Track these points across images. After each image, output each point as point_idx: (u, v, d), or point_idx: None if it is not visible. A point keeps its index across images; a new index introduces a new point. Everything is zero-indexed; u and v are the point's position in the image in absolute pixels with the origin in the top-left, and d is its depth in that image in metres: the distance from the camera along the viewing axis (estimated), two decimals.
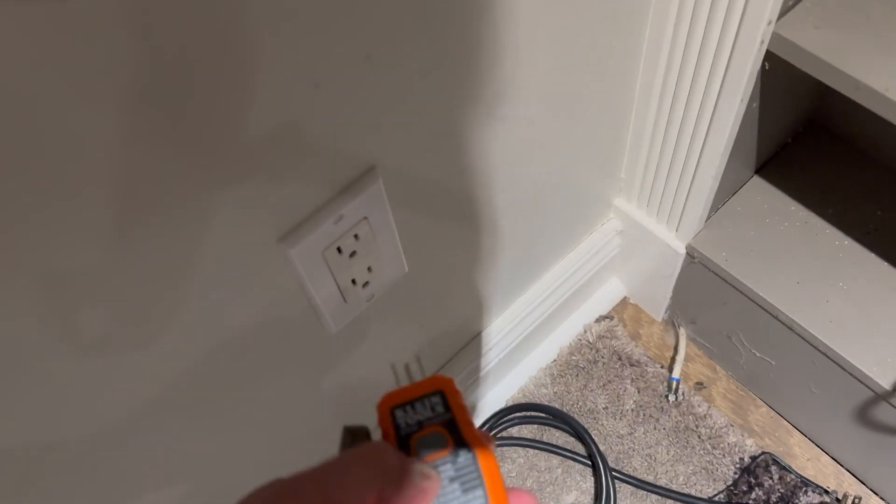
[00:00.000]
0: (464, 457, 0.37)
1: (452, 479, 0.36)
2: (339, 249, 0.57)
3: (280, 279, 0.56)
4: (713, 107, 0.72)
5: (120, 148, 0.38)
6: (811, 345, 0.84)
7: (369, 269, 0.61)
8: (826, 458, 0.97)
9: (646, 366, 1.03)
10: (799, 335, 0.85)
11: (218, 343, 0.55)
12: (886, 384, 0.79)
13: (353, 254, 0.58)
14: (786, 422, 0.99)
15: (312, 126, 0.47)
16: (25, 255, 0.38)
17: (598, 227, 0.98)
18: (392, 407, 0.39)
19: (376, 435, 0.36)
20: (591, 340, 1.05)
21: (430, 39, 0.50)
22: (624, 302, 1.10)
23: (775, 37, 0.65)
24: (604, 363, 1.03)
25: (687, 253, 0.91)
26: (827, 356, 0.83)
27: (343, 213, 0.54)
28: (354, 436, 0.37)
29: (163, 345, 0.50)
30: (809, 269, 0.87)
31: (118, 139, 0.37)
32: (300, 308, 0.60)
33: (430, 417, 0.39)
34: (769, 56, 0.67)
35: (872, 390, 0.81)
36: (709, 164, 0.78)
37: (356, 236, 0.57)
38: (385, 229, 0.60)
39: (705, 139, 0.76)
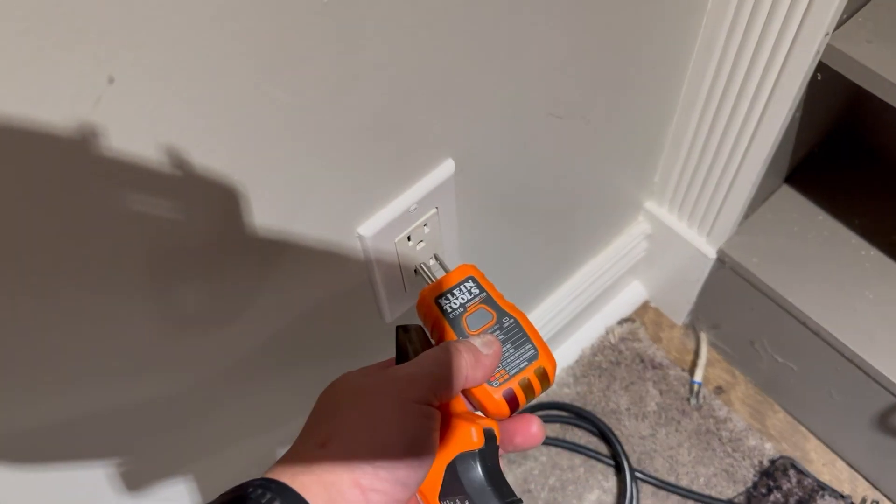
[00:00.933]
0: (508, 322, 0.45)
1: (504, 341, 0.44)
2: (408, 238, 0.57)
3: (350, 264, 0.56)
4: (760, 114, 0.74)
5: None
6: (837, 351, 0.86)
7: (433, 258, 0.62)
8: (841, 463, 0.99)
9: (667, 369, 1.04)
10: (826, 341, 0.87)
11: (286, 322, 0.56)
12: None
13: (419, 242, 0.59)
14: (803, 427, 1.01)
15: (401, 115, 0.48)
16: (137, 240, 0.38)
17: (626, 229, 1.00)
18: (435, 298, 0.47)
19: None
20: (613, 342, 1.07)
21: (507, 57, 0.52)
22: (645, 306, 1.12)
23: (829, 48, 0.67)
24: (626, 365, 1.05)
25: (717, 258, 0.93)
26: (853, 362, 0.86)
27: (419, 202, 0.55)
28: (407, 331, 0.43)
29: (243, 322, 0.51)
30: (837, 277, 0.89)
31: None
32: (363, 294, 0.61)
33: (470, 299, 0.47)
34: (821, 67, 0.69)
35: (895, 396, 0.84)
36: (749, 171, 0.80)
37: (425, 225, 0.58)
38: (450, 221, 0.61)
39: (748, 146, 0.78)
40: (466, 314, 0.46)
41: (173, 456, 0.58)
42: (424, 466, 0.34)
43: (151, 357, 0.47)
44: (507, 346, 0.44)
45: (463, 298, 0.47)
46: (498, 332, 0.45)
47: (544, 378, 0.44)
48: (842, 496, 0.96)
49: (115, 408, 0.48)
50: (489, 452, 0.39)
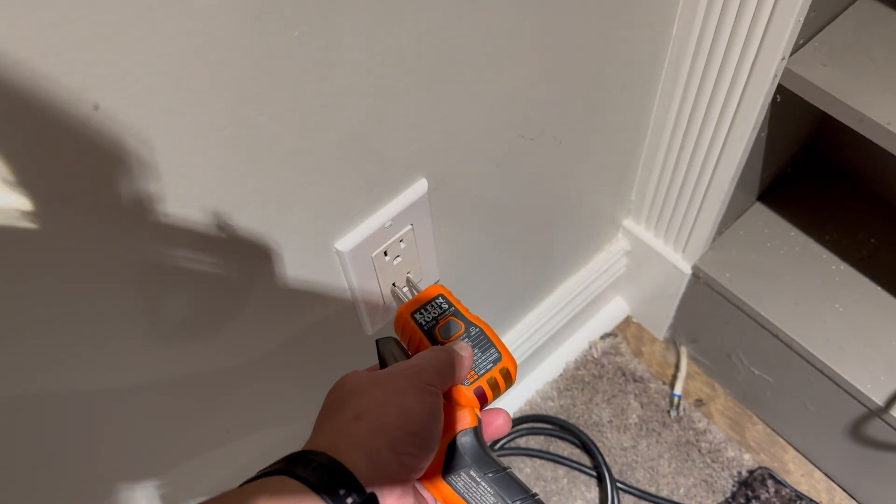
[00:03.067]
0: (474, 330, 0.52)
1: (472, 347, 0.51)
2: (385, 253, 0.61)
3: (330, 278, 0.59)
4: (725, 134, 0.77)
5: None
6: (808, 362, 0.89)
7: (408, 274, 0.65)
8: (819, 473, 1.01)
9: (648, 382, 1.07)
10: (797, 353, 0.90)
11: (269, 335, 0.59)
12: (879, 400, 0.84)
13: (396, 258, 0.62)
14: (781, 439, 1.04)
15: (373, 136, 0.51)
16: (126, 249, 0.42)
17: (606, 246, 1.03)
18: (411, 314, 0.53)
19: None
20: (596, 356, 1.09)
21: (475, 80, 0.55)
22: (627, 321, 1.15)
23: (787, 72, 0.70)
24: (608, 378, 1.08)
25: (692, 273, 0.96)
26: (823, 373, 0.88)
27: (393, 219, 0.58)
28: (387, 343, 0.50)
29: (226, 333, 0.54)
30: (807, 291, 0.92)
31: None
32: (343, 308, 0.64)
33: (441, 312, 0.53)
34: (780, 89, 0.72)
35: (866, 406, 0.86)
36: (718, 189, 0.84)
37: (401, 241, 0.61)
38: (426, 237, 0.64)
39: (716, 165, 0.81)
40: (438, 325, 0.53)
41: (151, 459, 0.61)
42: (440, 433, 0.40)
43: (132, 367, 0.49)
44: (476, 351, 0.50)
45: (435, 312, 0.53)
46: (466, 339, 0.51)
47: (508, 377, 0.50)
48: None
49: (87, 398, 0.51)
50: (480, 430, 0.47)
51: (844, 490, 0.99)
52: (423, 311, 0.54)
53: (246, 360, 0.59)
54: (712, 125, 0.78)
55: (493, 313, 0.90)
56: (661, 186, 0.90)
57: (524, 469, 1.01)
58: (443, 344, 0.52)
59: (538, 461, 1.02)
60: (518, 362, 1.00)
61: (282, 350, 0.62)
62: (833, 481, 1.00)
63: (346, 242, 0.57)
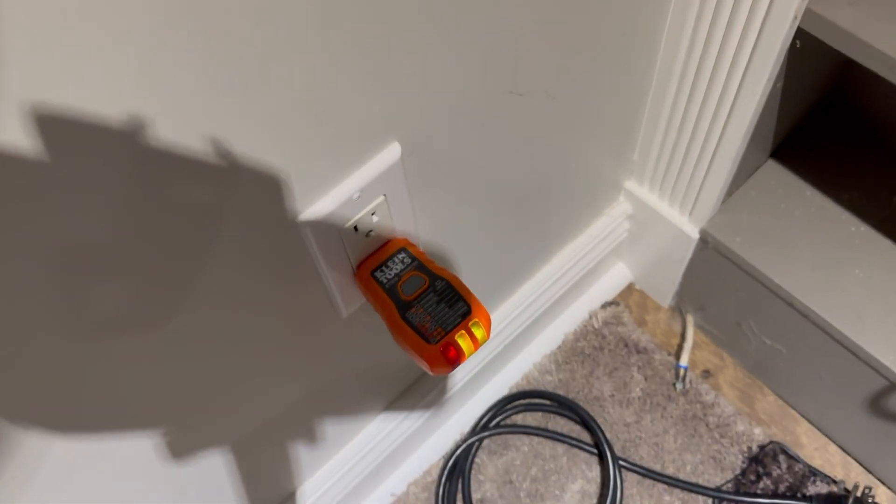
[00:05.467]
0: (440, 284, 0.50)
1: (439, 302, 0.49)
2: (355, 228, 0.54)
3: (295, 257, 0.53)
4: (738, 86, 0.70)
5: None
6: (826, 333, 0.83)
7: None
8: (833, 447, 0.95)
9: (652, 353, 1.01)
10: (814, 323, 0.83)
11: (229, 318, 0.52)
12: None
13: (369, 233, 0.55)
14: (793, 411, 0.98)
15: (330, 94, 0.44)
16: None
17: (607, 210, 0.96)
18: (371, 272, 0.52)
19: None
20: (596, 327, 1.03)
21: (452, 27, 0.47)
22: (629, 288, 1.08)
23: (808, 13, 0.62)
24: (610, 350, 1.01)
25: (700, 238, 0.89)
26: (842, 344, 0.82)
27: (362, 190, 0.51)
28: None
29: (176, 324, 0.47)
30: (825, 255, 0.85)
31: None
32: (313, 289, 0.57)
33: (404, 268, 0.52)
34: (800, 33, 0.64)
35: (887, 379, 0.80)
36: (729, 147, 0.76)
37: (373, 214, 0.54)
38: (402, 209, 0.57)
39: (727, 120, 0.73)
40: (401, 282, 0.51)
41: None
42: None
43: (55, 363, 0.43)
44: (442, 306, 0.49)
45: (397, 269, 0.52)
46: (432, 294, 0.49)
47: (479, 330, 0.48)
48: (834, 481, 0.92)
49: None
50: None
51: (861, 464, 0.94)
52: (384, 267, 0.53)
53: (207, 351, 0.53)
54: (723, 75, 0.70)
55: (484, 286, 0.84)
56: (666, 144, 0.83)
57: (521, 447, 0.96)
58: (406, 302, 0.50)
59: (536, 439, 0.96)
60: (513, 336, 0.94)
61: (247, 338, 0.56)
62: (849, 455, 0.95)
63: (309, 216, 0.50)
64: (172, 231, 0.42)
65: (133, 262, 0.41)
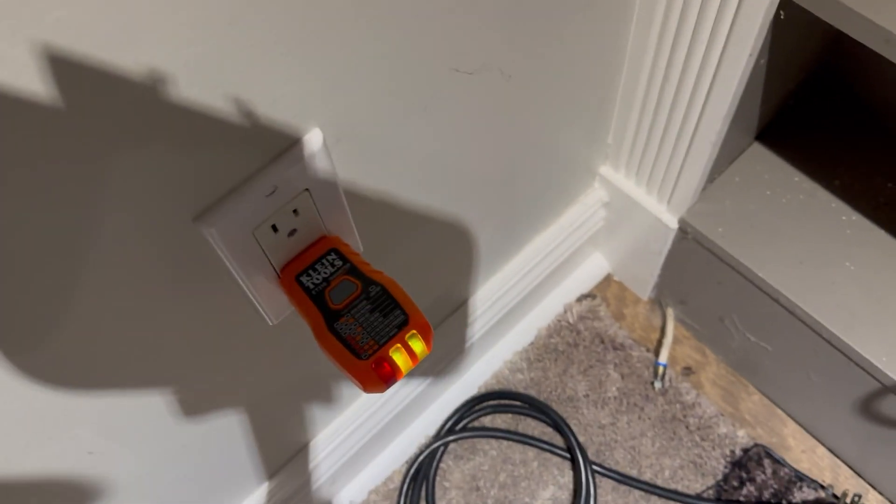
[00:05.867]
0: (374, 290, 0.44)
1: (372, 310, 0.43)
2: (274, 227, 0.47)
3: (204, 266, 0.46)
4: (717, 61, 0.63)
5: None
6: (814, 331, 0.76)
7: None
8: (822, 449, 0.90)
9: (630, 349, 0.95)
10: (801, 320, 0.77)
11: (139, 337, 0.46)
12: (895, 375, 0.72)
13: (292, 232, 0.48)
14: (780, 410, 0.92)
15: (222, 69, 0.37)
16: None
17: (581, 197, 0.89)
18: (296, 276, 0.46)
19: None
20: (571, 321, 0.97)
21: None
22: (607, 280, 1.02)
23: None
24: (585, 346, 0.95)
25: (679, 228, 0.82)
26: (831, 343, 0.76)
27: (277, 185, 0.44)
28: None
29: (54, 348, 0.41)
30: (814, 247, 0.78)
31: None
32: (234, 298, 0.50)
33: (333, 272, 0.46)
34: (785, 3, 0.57)
35: (879, 381, 0.74)
36: (708, 129, 0.69)
37: (295, 211, 0.47)
38: (332, 203, 0.50)
39: (706, 99, 0.66)
40: (329, 288, 0.45)
41: None
42: None
43: None
44: (375, 315, 0.43)
45: (325, 273, 0.46)
46: (364, 301, 0.44)
47: (417, 343, 0.43)
48: (822, 486, 0.86)
49: None
50: None
51: (851, 468, 0.88)
52: (311, 271, 0.47)
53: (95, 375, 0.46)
54: (701, 50, 0.63)
55: (444, 286, 0.77)
56: (641, 127, 0.76)
57: (489, 451, 0.90)
58: (335, 311, 0.44)
59: (505, 443, 0.90)
60: (482, 333, 0.88)
61: (169, 358, 0.49)
62: (838, 457, 0.89)
63: (212, 219, 0.43)
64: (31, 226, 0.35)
65: None
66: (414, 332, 0.43)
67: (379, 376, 0.42)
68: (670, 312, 0.96)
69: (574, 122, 0.73)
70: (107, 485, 0.55)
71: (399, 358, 0.43)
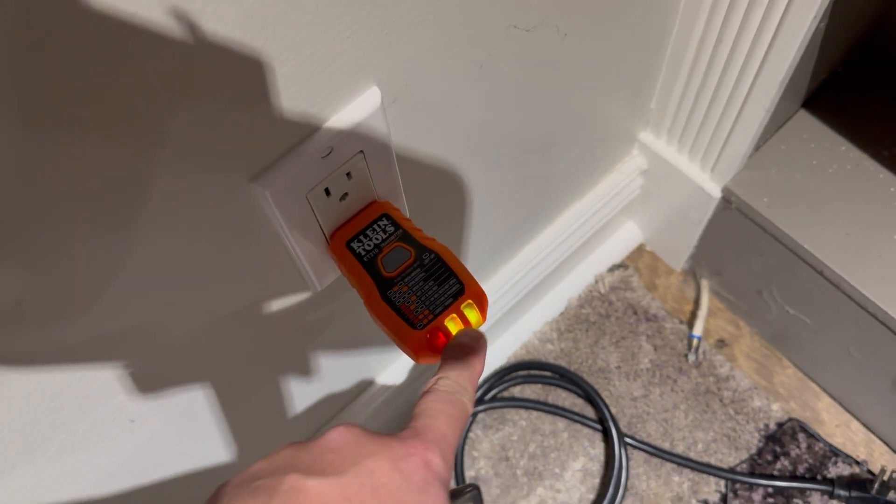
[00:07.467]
0: (428, 257, 0.43)
1: (426, 279, 0.42)
2: (327, 191, 0.45)
3: (255, 227, 0.44)
4: (777, 23, 0.60)
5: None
6: (858, 304, 0.75)
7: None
8: (856, 424, 0.88)
9: (663, 321, 0.93)
10: (846, 294, 0.75)
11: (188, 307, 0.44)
12: None
13: (343, 196, 0.46)
14: (814, 385, 0.90)
15: (285, 24, 0.34)
16: None
17: (619, 165, 0.87)
18: (347, 242, 0.45)
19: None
20: (603, 292, 0.95)
21: None
22: (640, 249, 1.00)
23: None
24: (617, 317, 0.93)
25: (722, 197, 0.80)
26: (876, 317, 0.74)
27: (333, 146, 0.42)
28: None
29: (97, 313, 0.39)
30: (861, 218, 0.76)
31: None
32: (281, 263, 0.48)
33: (385, 238, 0.44)
34: None
35: None
36: (762, 95, 0.66)
37: (349, 175, 0.45)
38: (385, 166, 0.48)
39: (762, 64, 0.64)
40: (381, 255, 0.44)
41: None
42: None
43: None
44: (430, 283, 0.42)
45: (377, 238, 0.45)
46: (418, 269, 0.43)
47: (473, 313, 0.41)
48: (857, 462, 0.85)
49: None
50: None
51: (886, 443, 0.87)
52: (362, 237, 0.45)
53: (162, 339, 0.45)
54: (760, 12, 0.60)
55: (481, 250, 0.75)
56: (688, 92, 0.73)
57: (519, 422, 0.88)
58: (388, 279, 0.42)
59: (535, 413, 0.89)
60: (513, 303, 0.86)
61: (210, 323, 0.47)
62: (873, 433, 0.88)
63: (268, 181, 0.41)
64: (81, 200, 0.33)
65: (36, 240, 0.32)
66: (470, 301, 0.42)
67: (433, 347, 0.41)
68: (705, 284, 0.94)
69: (619, 86, 0.71)
70: None
71: (454, 328, 0.41)
